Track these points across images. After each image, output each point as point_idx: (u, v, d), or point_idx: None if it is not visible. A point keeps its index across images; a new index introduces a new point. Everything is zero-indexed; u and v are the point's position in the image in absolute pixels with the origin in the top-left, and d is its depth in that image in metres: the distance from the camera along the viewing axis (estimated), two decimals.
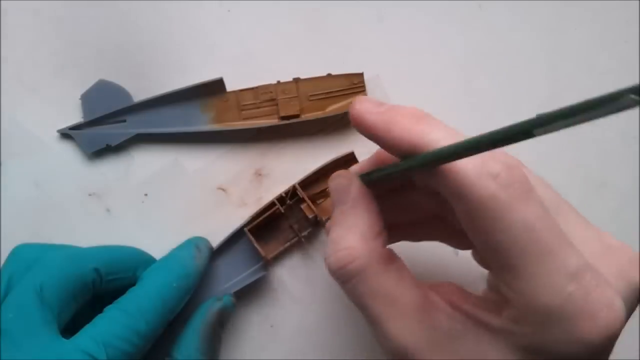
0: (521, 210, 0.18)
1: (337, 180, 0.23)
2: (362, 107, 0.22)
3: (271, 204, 0.30)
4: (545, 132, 0.14)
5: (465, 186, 0.19)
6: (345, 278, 0.22)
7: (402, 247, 0.28)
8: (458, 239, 0.26)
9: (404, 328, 0.21)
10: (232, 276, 0.30)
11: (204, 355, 0.27)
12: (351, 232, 0.22)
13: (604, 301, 0.18)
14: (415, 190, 0.25)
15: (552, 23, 0.34)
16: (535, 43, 0.34)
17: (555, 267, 0.18)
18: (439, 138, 0.20)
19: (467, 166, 0.19)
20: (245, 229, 0.30)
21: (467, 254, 0.25)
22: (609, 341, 0.18)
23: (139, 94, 0.32)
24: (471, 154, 0.18)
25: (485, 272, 0.24)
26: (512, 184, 0.18)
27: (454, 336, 0.20)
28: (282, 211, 0.30)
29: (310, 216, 0.29)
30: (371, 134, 0.22)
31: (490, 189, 0.18)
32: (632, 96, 0.12)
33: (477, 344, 0.20)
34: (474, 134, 0.18)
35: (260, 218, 0.30)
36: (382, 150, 0.25)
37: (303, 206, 0.30)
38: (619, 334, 0.19)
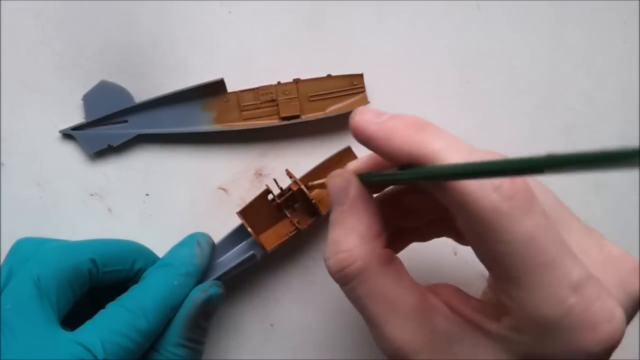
0: (523, 222, 0.18)
1: (335, 179, 0.23)
2: (362, 118, 0.21)
3: (264, 190, 0.30)
4: (554, 173, 0.14)
5: (466, 197, 0.18)
6: (345, 280, 0.22)
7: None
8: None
9: (401, 329, 0.21)
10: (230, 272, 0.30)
11: (185, 349, 0.27)
12: (350, 233, 0.22)
13: (604, 313, 0.18)
14: (418, 195, 0.25)
15: (551, 23, 0.34)
16: (534, 43, 0.34)
17: (556, 278, 0.18)
18: (439, 148, 0.19)
19: None
20: (237, 212, 0.30)
21: (465, 254, 0.25)
22: (609, 352, 0.19)
23: (141, 95, 0.33)
24: (472, 178, 0.17)
25: (485, 271, 0.24)
26: (515, 195, 0.18)
27: (452, 339, 0.21)
28: (278, 200, 0.30)
29: (294, 188, 0.29)
30: (371, 145, 0.21)
31: (492, 200, 0.18)
32: None
33: (474, 348, 0.20)
34: (473, 135, 0.18)
35: (252, 199, 0.30)
36: None
37: (291, 185, 0.30)
38: (619, 344, 0.19)
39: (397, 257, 0.23)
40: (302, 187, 0.29)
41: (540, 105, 0.33)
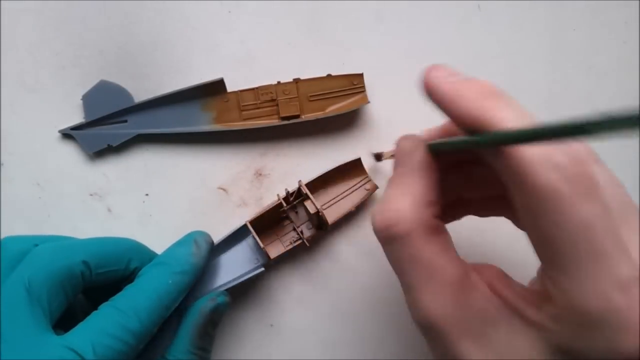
0: (581, 207, 0.17)
1: (404, 142, 0.23)
2: (435, 74, 0.21)
3: (277, 203, 0.30)
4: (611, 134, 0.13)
5: (526, 173, 0.18)
6: (388, 239, 0.21)
7: None
8: None
9: (436, 300, 0.20)
10: (230, 274, 0.30)
11: (194, 356, 0.27)
12: (404, 195, 0.21)
13: None
14: (483, 166, 0.24)
15: (552, 23, 0.34)
16: (535, 43, 0.34)
17: (605, 272, 0.17)
18: (506, 118, 0.19)
19: (532, 153, 0.18)
20: (247, 222, 0.30)
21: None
22: None
23: (140, 95, 0.33)
24: (536, 143, 0.17)
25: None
26: (576, 179, 0.18)
27: (487, 320, 0.20)
28: (286, 209, 0.30)
29: (312, 211, 0.29)
30: (439, 103, 0.21)
31: (552, 180, 0.18)
32: None
33: (509, 333, 0.20)
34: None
35: (263, 211, 0.30)
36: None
37: (307, 203, 0.30)
38: None
39: (446, 229, 0.22)
40: (319, 208, 0.29)
41: (540, 105, 0.33)
